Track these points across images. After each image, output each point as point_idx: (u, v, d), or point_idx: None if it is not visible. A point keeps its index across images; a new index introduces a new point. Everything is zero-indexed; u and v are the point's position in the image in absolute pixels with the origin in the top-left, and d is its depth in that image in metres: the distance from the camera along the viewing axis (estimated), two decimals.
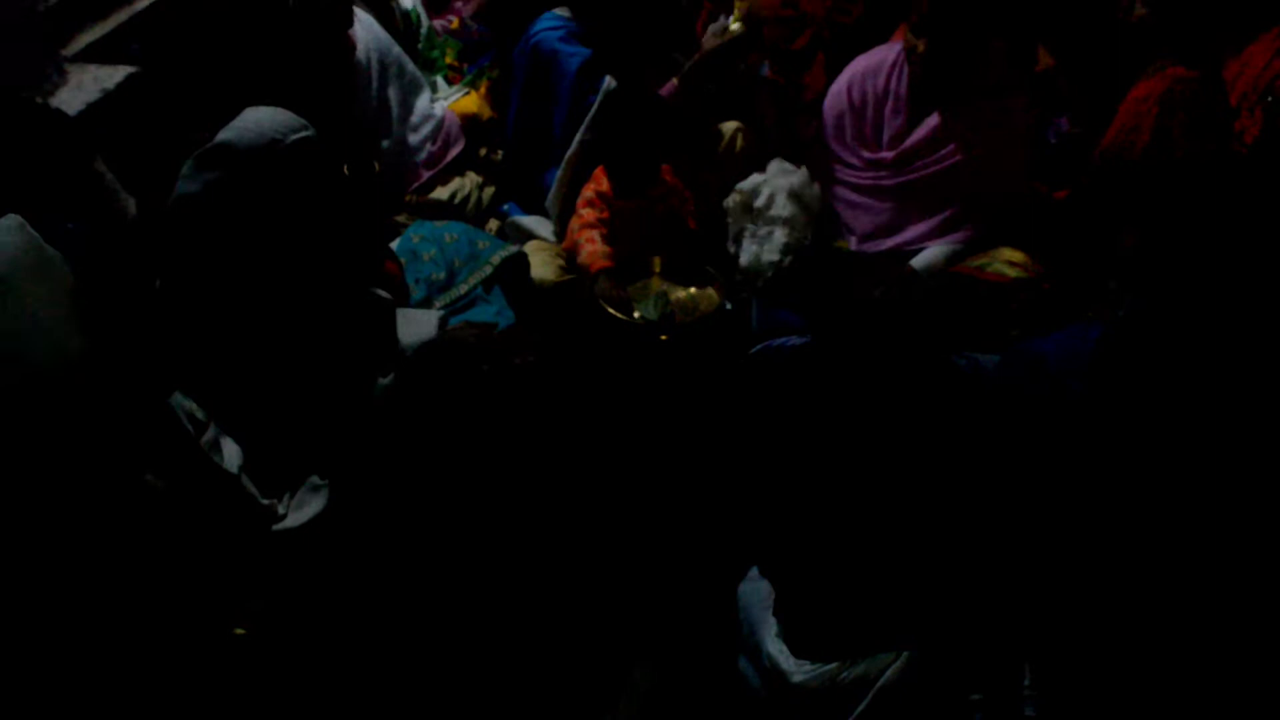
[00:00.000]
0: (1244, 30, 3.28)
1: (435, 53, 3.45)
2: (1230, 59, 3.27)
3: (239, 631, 1.79)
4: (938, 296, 2.87)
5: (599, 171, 3.03)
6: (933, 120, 2.90)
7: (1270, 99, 2.85)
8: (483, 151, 3.40)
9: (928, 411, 2.06)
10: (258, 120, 2.08)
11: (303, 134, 2.08)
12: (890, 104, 2.97)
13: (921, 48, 2.81)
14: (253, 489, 1.94)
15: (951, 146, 2.89)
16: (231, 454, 1.96)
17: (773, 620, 2.06)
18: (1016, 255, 2.87)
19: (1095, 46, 3.47)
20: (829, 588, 1.99)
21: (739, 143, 3.13)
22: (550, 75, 3.08)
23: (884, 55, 3.01)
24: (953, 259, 2.92)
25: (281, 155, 2.04)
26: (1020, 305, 2.82)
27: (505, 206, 3.27)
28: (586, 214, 2.98)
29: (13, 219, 1.72)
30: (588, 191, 3.02)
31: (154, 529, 1.76)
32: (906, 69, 2.93)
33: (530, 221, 3.21)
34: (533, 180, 3.21)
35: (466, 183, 3.27)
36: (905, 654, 1.86)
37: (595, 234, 2.94)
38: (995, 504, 1.96)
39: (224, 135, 2.05)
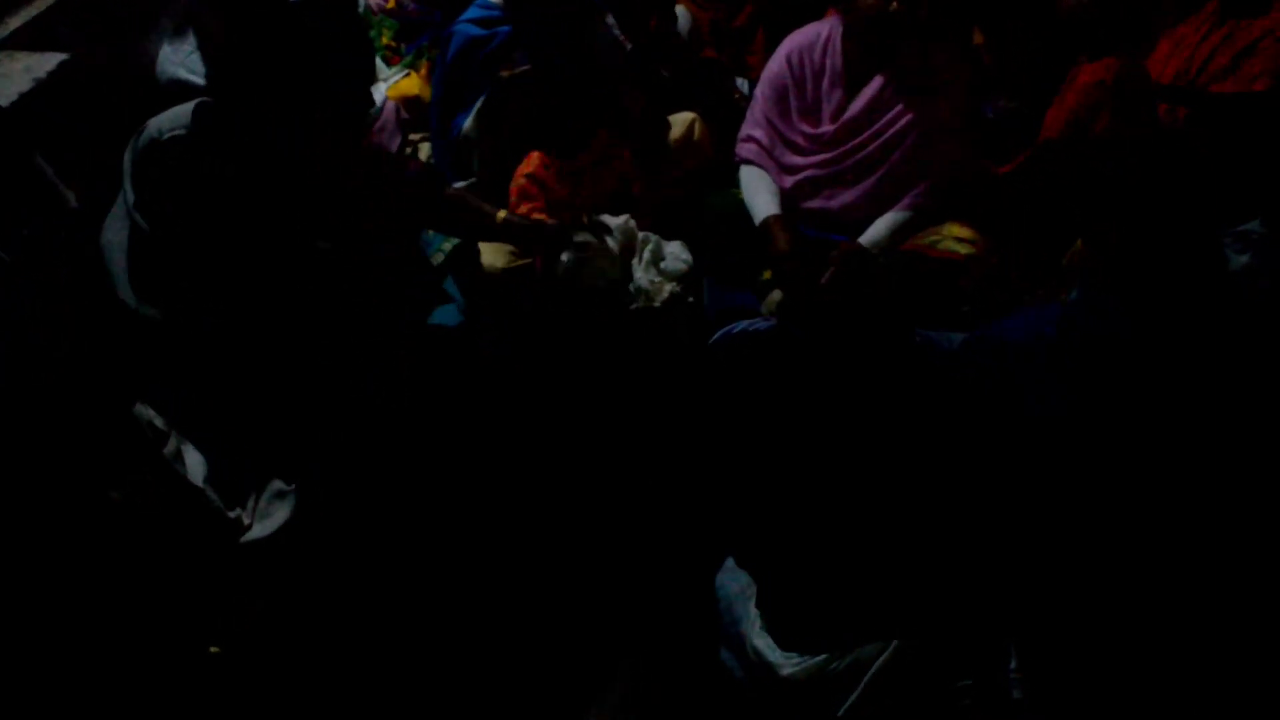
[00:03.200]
0: (1175, 8, 3.36)
1: (372, 33, 3.35)
2: (1163, 37, 3.35)
3: (213, 650, 1.72)
4: (889, 274, 2.88)
5: (529, 157, 3.00)
6: (871, 89, 2.91)
7: None
8: (416, 137, 3.33)
9: (902, 395, 2.06)
10: (161, 116, 2.04)
11: (176, 132, 2.01)
12: (827, 79, 2.97)
13: (896, 5, 2.79)
14: (218, 501, 1.87)
15: (893, 113, 2.90)
16: (195, 464, 1.90)
17: (755, 612, 2.04)
18: (964, 231, 2.89)
19: (1025, 25, 3.53)
20: (811, 578, 1.98)
21: (697, 131, 3.15)
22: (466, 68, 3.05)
23: (817, 30, 3.01)
24: (901, 232, 2.93)
25: (158, 151, 1.99)
26: (971, 281, 2.85)
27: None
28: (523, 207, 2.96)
29: None
30: (519, 179, 2.98)
31: (120, 546, 1.68)
32: (839, 45, 2.93)
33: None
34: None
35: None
36: (894, 643, 1.86)
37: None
38: (974, 489, 1.97)
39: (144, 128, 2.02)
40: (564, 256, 2.75)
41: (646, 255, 2.81)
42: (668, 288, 2.76)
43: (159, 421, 1.85)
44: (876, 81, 2.90)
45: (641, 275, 2.79)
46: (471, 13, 3.06)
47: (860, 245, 2.92)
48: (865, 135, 2.93)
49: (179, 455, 1.86)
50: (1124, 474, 1.86)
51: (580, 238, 2.75)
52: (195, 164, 1.99)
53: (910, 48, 2.88)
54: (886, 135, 2.92)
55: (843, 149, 2.96)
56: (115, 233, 2.00)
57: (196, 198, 2.00)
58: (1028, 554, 1.92)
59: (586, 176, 2.98)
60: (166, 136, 1.96)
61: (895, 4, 2.76)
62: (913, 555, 1.93)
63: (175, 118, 1.99)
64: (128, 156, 1.97)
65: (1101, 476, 1.88)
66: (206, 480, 1.87)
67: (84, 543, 1.62)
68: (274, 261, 2.08)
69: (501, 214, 2.79)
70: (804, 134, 3.01)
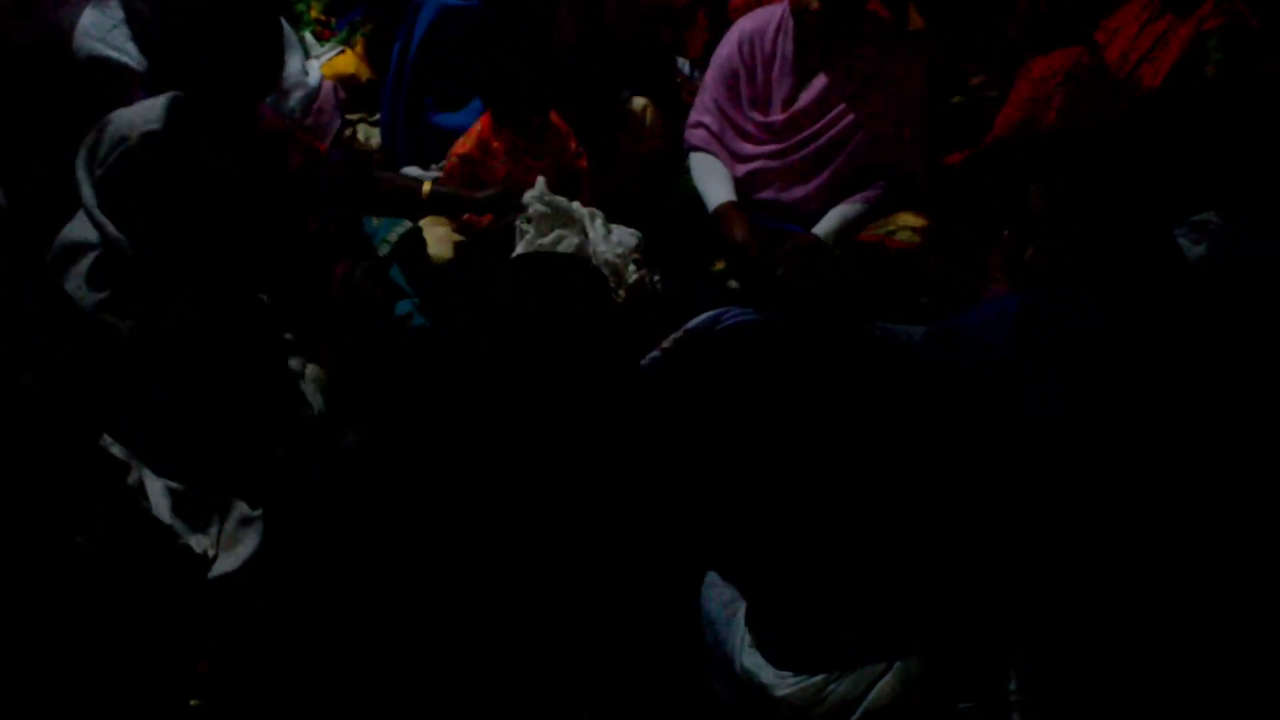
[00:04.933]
0: None
1: (301, 5, 3.17)
2: (1102, 22, 3.38)
3: (194, 703, 1.59)
4: (845, 265, 2.85)
5: (469, 133, 2.90)
6: (822, 80, 2.87)
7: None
8: (355, 118, 3.17)
9: (885, 389, 2.02)
10: (127, 111, 1.92)
11: (148, 128, 1.88)
12: (778, 66, 2.93)
13: (816, 5, 2.75)
14: (185, 536, 1.74)
15: (843, 105, 2.87)
16: (158, 497, 1.76)
17: (743, 629, 1.98)
18: (918, 220, 2.89)
19: (967, 12, 3.53)
20: (805, 589, 1.93)
21: (649, 117, 3.09)
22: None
23: (768, 16, 2.96)
24: (855, 224, 2.90)
25: (129, 150, 1.86)
26: (929, 271, 2.84)
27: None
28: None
29: None
30: (451, 158, 2.90)
31: (87, 595, 1.53)
32: (791, 31, 2.88)
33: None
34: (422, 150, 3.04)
35: None
36: (896, 665, 1.82)
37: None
38: (965, 494, 1.94)
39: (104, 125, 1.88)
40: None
41: (599, 226, 2.72)
42: (632, 269, 2.68)
43: (118, 450, 1.70)
44: (827, 72, 2.86)
45: (606, 248, 2.69)
46: None
47: (815, 236, 2.88)
48: (816, 127, 2.90)
49: (141, 487, 1.72)
50: (1124, 474, 1.86)
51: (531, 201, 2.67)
52: (169, 162, 1.86)
53: (860, 39, 2.84)
54: (838, 128, 2.89)
55: (793, 140, 2.92)
56: (79, 234, 1.85)
57: (169, 197, 1.87)
58: (1027, 566, 1.90)
59: (525, 156, 2.89)
60: (137, 135, 1.82)
61: (815, 4, 2.72)
62: (911, 563, 1.90)
63: (144, 113, 1.86)
64: (83, 157, 1.81)
65: (1102, 477, 1.87)
66: (172, 512, 1.74)
67: (50, 593, 1.47)
68: (238, 257, 1.97)
69: (428, 186, 2.73)
70: (754, 122, 2.96)
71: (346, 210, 2.44)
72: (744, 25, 2.98)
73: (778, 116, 2.93)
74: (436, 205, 2.76)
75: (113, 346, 1.70)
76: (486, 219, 2.83)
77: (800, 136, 2.91)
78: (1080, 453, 1.85)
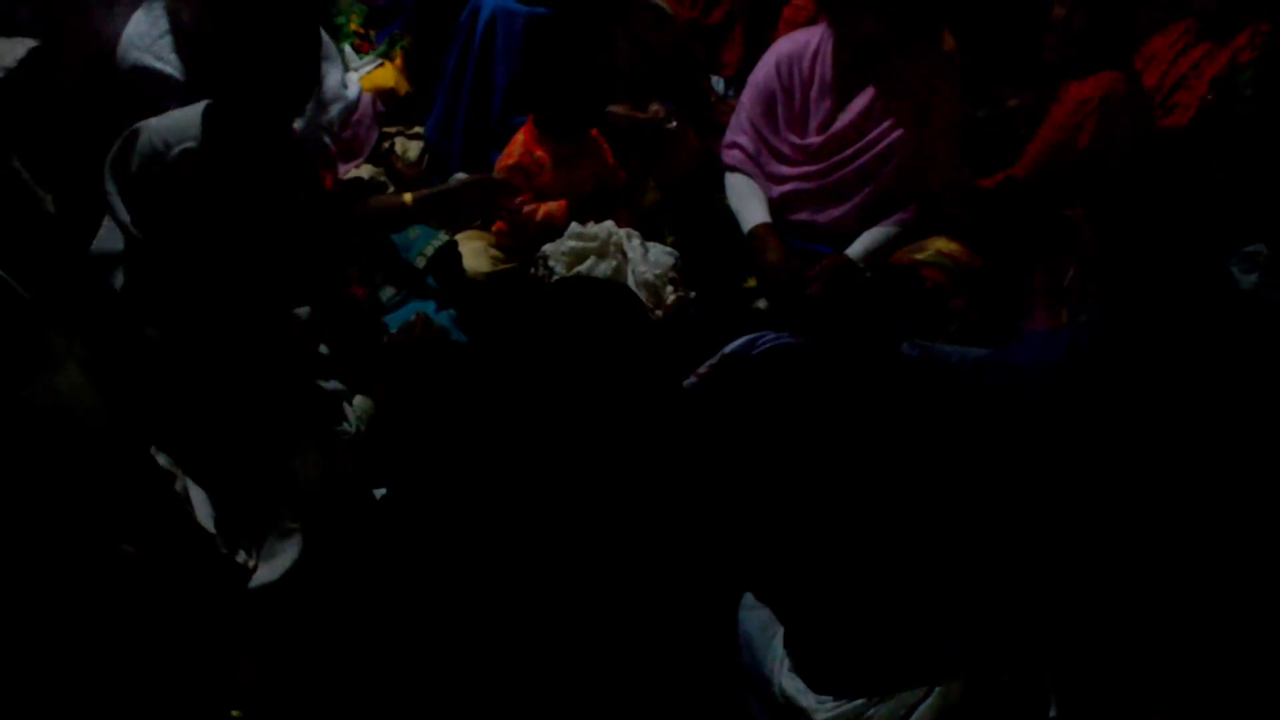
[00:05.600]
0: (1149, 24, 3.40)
1: (341, 18, 3.18)
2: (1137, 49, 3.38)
3: (235, 714, 1.58)
4: (877, 288, 2.86)
5: (510, 145, 2.90)
6: (860, 102, 2.87)
7: (1209, 97, 2.96)
8: (393, 130, 3.18)
9: (921, 411, 2.02)
10: (159, 124, 1.93)
11: (185, 145, 1.90)
12: (815, 89, 2.93)
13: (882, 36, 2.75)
14: (226, 547, 1.74)
15: (881, 129, 2.86)
16: (202, 506, 1.76)
17: (781, 651, 1.97)
18: (951, 245, 2.89)
19: (998, 32, 3.54)
20: (840, 615, 1.93)
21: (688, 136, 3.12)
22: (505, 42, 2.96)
23: (806, 38, 2.96)
24: (888, 247, 2.90)
25: (167, 167, 1.88)
26: (960, 295, 2.84)
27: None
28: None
29: None
30: (499, 173, 2.88)
31: (132, 605, 1.53)
32: (830, 53, 2.88)
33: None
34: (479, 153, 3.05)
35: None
36: (936, 690, 1.81)
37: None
38: (1003, 515, 1.94)
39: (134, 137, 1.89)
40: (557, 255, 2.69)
41: (637, 245, 2.73)
42: (669, 289, 2.68)
43: (163, 459, 1.71)
44: (865, 95, 2.86)
45: (645, 268, 2.70)
46: None
47: (847, 258, 2.88)
48: (853, 149, 2.89)
49: (187, 496, 1.72)
50: (1135, 483, 1.86)
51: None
52: (210, 179, 1.86)
53: (900, 62, 2.85)
54: (875, 150, 2.88)
55: (829, 162, 2.92)
56: (108, 244, 1.86)
57: (206, 212, 1.88)
58: (1063, 589, 1.90)
59: (570, 164, 2.91)
60: (176, 152, 1.81)
61: (878, 29, 2.72)
62: (950, 586, 1.89)
63: (180, 128, 1.85)
64: (112, 170, 1.82)
65: (1116, 487, 1.87)
66: (215, 523, 1.74)
67: (95, 601, 1.47)
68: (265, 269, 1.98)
69: (409, 197, 2.65)
70: (791, 144, 2.96)
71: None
72: (781, 47, 2.98)
73: (814, 139, 2.93)
74: (422, 213, 2.67)
75: (140, 354, 1.71)
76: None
77: (836, 159, 2.91)
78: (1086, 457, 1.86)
